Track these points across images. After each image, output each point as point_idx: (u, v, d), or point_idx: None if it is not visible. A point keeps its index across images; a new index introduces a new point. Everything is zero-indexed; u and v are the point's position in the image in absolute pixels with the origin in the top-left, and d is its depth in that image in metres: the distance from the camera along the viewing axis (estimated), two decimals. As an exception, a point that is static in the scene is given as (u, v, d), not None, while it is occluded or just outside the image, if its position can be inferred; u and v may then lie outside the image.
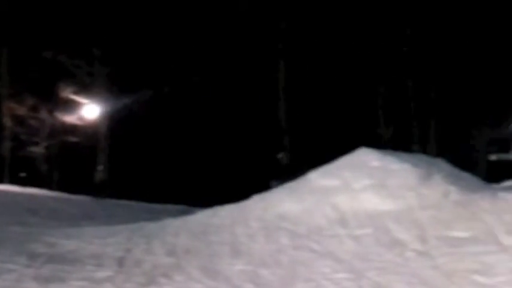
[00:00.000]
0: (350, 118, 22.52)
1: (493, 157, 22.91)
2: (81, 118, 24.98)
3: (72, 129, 25.10)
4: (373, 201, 10.55)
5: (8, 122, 26.07)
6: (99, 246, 10.63)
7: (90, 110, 24.58)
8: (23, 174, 26.19)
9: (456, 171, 12.04)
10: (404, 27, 22.62)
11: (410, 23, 22.56)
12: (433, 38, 22.37)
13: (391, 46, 22.87)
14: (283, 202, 11.12)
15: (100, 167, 23.81)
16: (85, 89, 24.57)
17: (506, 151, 23.05)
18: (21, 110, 25.67)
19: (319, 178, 11.43)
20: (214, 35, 22.43)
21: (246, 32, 22.57)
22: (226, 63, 22.56)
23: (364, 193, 10.75)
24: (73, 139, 25.05)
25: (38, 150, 25.93)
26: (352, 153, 12.00)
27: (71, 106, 25.01)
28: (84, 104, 24.70)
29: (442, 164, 12.16)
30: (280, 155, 23.38)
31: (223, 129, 22.28)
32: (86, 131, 24.82)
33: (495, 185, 12.27)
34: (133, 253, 10.14)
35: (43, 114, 25.74)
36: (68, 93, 24.84)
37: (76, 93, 24.72)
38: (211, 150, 22.11)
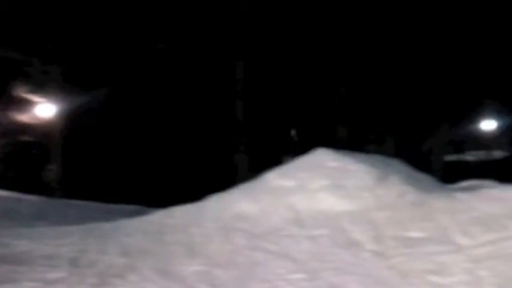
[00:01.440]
0: (308, 117, 22.54)
1: (450, 158, 23.11)
2: (35, 117, 24.69)
3: (26, 128, 24.79)
4: (329, 202, 10.55)
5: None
6: (52, 247, 10.45)
7: (44, 109, 24.32)
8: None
9: (413, 171, 12.11)
10: (363, 26, 22.64)
11: (370, 22, 22.58)
12: (388, 38, 22.44)
13: (349, 45, 22.88)
14: (240, 202, 11.06)
15: (52, 166, 23.57)
16: (39, 87, 24.30)
17: (462, 152, 23.27)
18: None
19: (275, 178, 11.41)
20: (171, 32, 22.27)
21: (204, 30, 22.44)
22: (184, 61, 22.42)
23: (320, 193, 10.75)
24: (27, 138, 24.75)
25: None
26: (309, 153, 11.99)
27: (25, 105, 24.71)
28: (39, 102, 24.43)
29: (399, 165, 12.22)
30: (292, 132, 23.44)
31: (180, 127, 22.15)
32: (40, 130, 24.54)
33: (451, 186, 12.34)
34: (86, 254, 9.99)
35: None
36: (21, 92, 24.54)
37: (30, 92, 24.43)
38: (168, 150, 21.97)
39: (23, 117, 24.70)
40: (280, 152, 21.62)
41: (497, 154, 23.40)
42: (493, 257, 8.19)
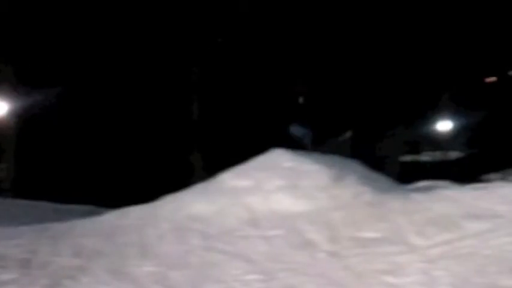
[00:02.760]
0: (265, 117, 22.48)
1: (406, 158, 23.23)
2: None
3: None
4: (285, 202, 10.50)
5: None
6: (2, 248, 10.27)
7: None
8: None
9: (369, 172, 12.10)
10: (317, 24, 22.61)
11: (323, 20, 22.54)
12: (343, 37, 22.46)
13: (305, 43, 22.85)
14: (195, 203, 10.96)
15: (3, 166, 23.28)
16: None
17: (418, 152, 23.41)
18: None
19: (231, 179, 11.33)
20: (125, 31, 22.07)
21: (159, 29, 22.27)
22: (138, 60, 22.23)
23: (276, 194, 10.70)
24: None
25: None
26: (265, 153, 11.94)
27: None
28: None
29: (355, 165, 12.20)
30: (300, 99, 23.24)
31: (135, 127, 21.97)
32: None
33: (407, 186, 12.36)
34: (38, 255, 9.85)
35: None
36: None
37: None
38: (123, 149, 21.77)
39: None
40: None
41: (453, 155, 23.60)
42: (448, 257, 8.24)
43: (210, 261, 9.03)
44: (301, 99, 23.36)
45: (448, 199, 9.94)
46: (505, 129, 22.12)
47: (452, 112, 23.44)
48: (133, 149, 21.62)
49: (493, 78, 23.56)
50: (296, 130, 22.57)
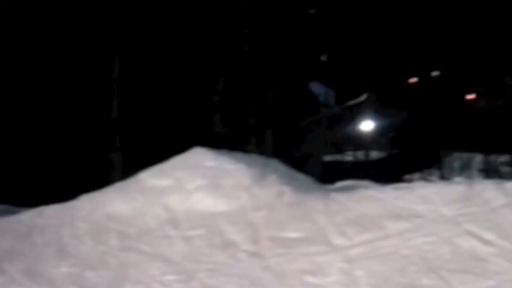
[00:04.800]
0: (186, 116, 22.32)
1: (328, 158, 23.32)
2: None
3: None
4: (206, 202, 10.38)
5: None
6: None
7: None
8: None
9: (291, 172, 12.06)
10: (243, 26, 22.59)
11: (249, 23, 22.53)
12: (272, 37, 22.46)
13: (229, 44, 22.77)
14: (113, 202, 10.76)
15: None
16: None
17: (341, 152, 23.53)
18: None
19: (150, 178, 11.15)
20: (47, 28, 21.67)
21: (80, 26, 21.93)
22: (59, 58, 21.86)
23: (197, 193, 10.57)
24: None
25: None
26: (186, 152, 11.82)
27: None
28: None
29: (277, 165, 12.14)
30: (323, 57, 22.66)
31: (53, 125, 21.59)
32: None
33: (328, 186, 12.37)
34: (-51, 256, 9.62)
35: None
36: None
37: None
38: (40, 147, 21.37)
39: None
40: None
41: (375, 154, 23.79)
42: (369, 257, 8.27)
43: (128, 261, 8.97)
44: (323, 57, 22.88)
45: (369, 199, 9.95)
46: (426, 130, 22.39)
47: (374, 112, 23.65)
48: (50, 147, 21.21)
49: (415, 79, 23.88)
50: (315, 88, 22.21)
